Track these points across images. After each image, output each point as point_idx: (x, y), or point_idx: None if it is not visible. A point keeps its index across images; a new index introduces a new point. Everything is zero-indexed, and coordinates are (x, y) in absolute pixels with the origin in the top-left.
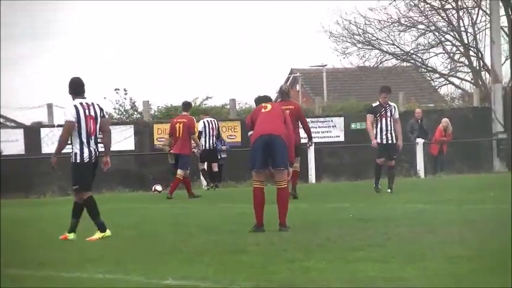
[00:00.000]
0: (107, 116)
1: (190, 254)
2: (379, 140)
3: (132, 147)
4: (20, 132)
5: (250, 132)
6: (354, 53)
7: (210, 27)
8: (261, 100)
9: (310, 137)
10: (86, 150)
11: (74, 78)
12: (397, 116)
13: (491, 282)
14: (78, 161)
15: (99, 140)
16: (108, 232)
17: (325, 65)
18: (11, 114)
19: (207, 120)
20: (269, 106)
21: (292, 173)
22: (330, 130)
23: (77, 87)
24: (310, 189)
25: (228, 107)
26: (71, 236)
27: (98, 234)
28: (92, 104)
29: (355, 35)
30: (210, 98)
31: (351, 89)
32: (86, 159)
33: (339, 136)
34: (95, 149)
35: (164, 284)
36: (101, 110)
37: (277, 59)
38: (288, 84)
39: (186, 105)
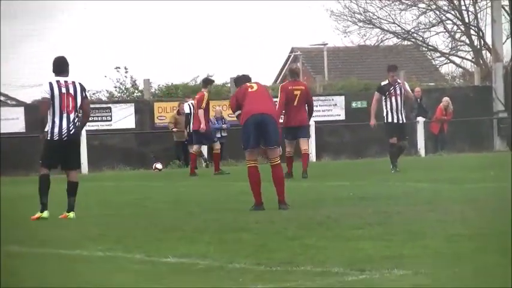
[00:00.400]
0: (89, 98)
1: (190, 232)
2: (390, 120)
3: (133, 126)
4: (20, 111)
5: (237, 112)
6: (354, 32)
7: (211, 5)
8: (241, 80)
9: (310, 116)
10: (56, 129)
11: (57, 57)
12: (407, 88)
13: (492, 261)
14: (47, 138)
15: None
16: (45, 213)
17: (326, 44)
18: (12, 93)
19: (192, 103)
20: (255, 86)
21: (303, 156)
22: (331, 109)
23: (58, 66)
24: (310, 167)
25: (229, 85)
26: (44, 214)
27: (38, 214)
28: (73, 82)
29: (355, 14)
30: (210, 76)
31: (352, 68)
32: (55, 137)
33: (339, 115)
34: (68, 128)
35: (164, 261)
36: (83, 89)
37: (277, 37)
38: (295, 64)
39: (204, 82)
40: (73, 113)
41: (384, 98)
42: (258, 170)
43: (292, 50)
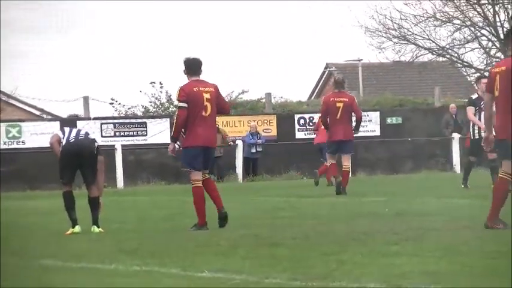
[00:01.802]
0: (114, 113)
1: (226, 247)
2: (477, 136)
3: (168, 141)
4: (56, 125)
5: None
6: (389, 48)
7: (248, 21)
8: (194, 66)
9: (357, 128)
10: (64, 140)
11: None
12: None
13: None
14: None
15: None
16: (77, 228)
17: (361, 60)
18: (48, 107)
19: None
20: (209, 108)
21: (343, 173)
22: (366, 124)
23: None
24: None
25: (264, 101)
26: (76, 229)
27: (70, 230)
28: (86, 133)
29: (390, 30)
30: (245, 91)
31: (387, 84)
32: (64, 144)
33: (374, 130)
34: (77, 135)
35: (200, 276)
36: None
37: (312, 53)
38: (341, 75)
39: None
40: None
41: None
42: (203, 190)
43: (327, 66)
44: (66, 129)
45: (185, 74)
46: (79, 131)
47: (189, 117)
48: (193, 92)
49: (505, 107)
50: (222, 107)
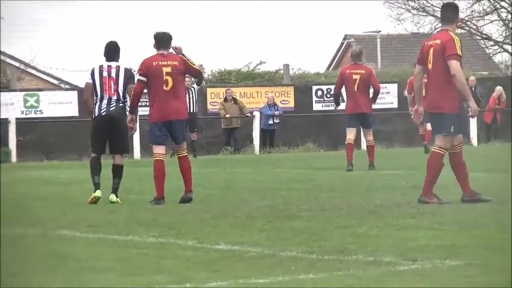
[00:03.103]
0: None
1: (242, 219)
2: None
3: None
4: (74, 95)
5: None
6: (408, 20)
7: None
8: (159, 37)
9: (374, 99)
10: (96, 108)
11: (108, 42)
12: None
13: None
14: (92, 118)
15: (125, 103)
16: (98, 193)
17: (379, 31)
18: (66, 77)
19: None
20: (170, 81)
21: (368, 148)
22: (384, 96)
23: (107, 51)
24: (362, 155)
25: (282, 72)
26: (97, 193)
27: (92, 195)
28: (117, 67)
29: (409, 1)
30: (263, 63)
31: (405, 56)
32: (96, 115)
33: (392, 103)
34: (108, 106)
35: (216, 248)
36: (129, 75)
37: (331, 24)
38: (358, 46)
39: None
40: (115, 95)
41: None
42: (163, 164)
43: (346, 37)
44: (98, 87)
45: (154, 47)
46: (110, 98)
47: (150, 92)
48: (152, 66)
49: (438, 81)
50: (192, 73)
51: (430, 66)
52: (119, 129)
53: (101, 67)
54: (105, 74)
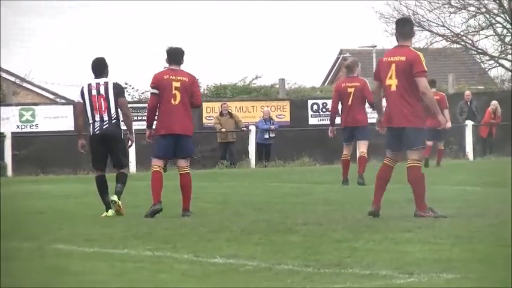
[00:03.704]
0: (127, 98)
1: (238, 233)
2: None
3: None
4: (69, 109)
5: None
6: None
7: (262, 6)
8: (171, 52)
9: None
10: (90, 127)
11: (94, 59)
12: None
13: None
14: (88, 137)
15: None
16: (110, 212)
17: (375, 46)
18: (61, 91)
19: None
20: (178, 96)
21: (359, 159)
22: None
23: (94, 68)
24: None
25: (277, 86)
26: (109, 213)
27: (104, 213)
28: (106, 83)
29: (405, 16)
30: (259, 77)
31: None
32: (91, 134)
33: None
34: (101, 124)
35: (212, 262)
36: (119, 90)
37: (326, 39)
38: (351, 58)
39: (433, 83)
40: (105, 113)
41: None
42: (160, 175)
43: (341, 52)
44: (88, 106)
45: (166, 62)
46: (101, 116)
47: (159, 106)
48: (163, 79)
49: (404, 96)
50: (193, 99)
51: (391, 82)
52: (115, 146)
53: (89, 85)
54: (94, 92)
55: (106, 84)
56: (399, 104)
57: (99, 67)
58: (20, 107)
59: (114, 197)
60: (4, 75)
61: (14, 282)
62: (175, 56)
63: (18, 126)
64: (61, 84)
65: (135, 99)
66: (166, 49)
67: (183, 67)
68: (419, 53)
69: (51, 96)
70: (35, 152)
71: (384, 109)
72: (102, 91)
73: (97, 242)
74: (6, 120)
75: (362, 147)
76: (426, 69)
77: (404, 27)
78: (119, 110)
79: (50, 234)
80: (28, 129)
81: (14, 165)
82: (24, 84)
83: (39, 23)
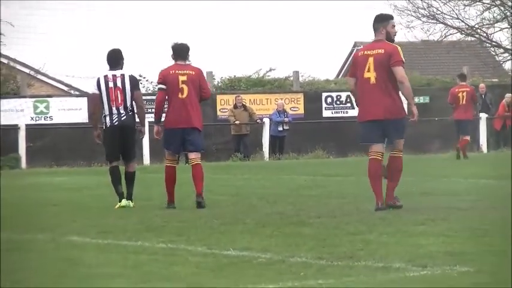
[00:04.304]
0: (141, 90)
1: (252, 225)
2: None
3: None
4: (83, 101)
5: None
6: (418, 27)
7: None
8: (176, 48)
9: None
10: (107, 119)
11: (110, 50)
12: None
13: None
14: (103, 128)
15: (132, 111)
16: (123, 202)
17: None
18: (76, 83)
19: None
20: (185, 90)
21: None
22: None
23: (110, 60)
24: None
25: (292, 79)
26: (122, 203)
27: (118, 204)
28: (122, 75)
29: (419, 9)
30: (273, 69)
31: (415, 63)
32: (108, 125)
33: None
34: (119, 116)
35: (226, 254)
36: (133, 82)
37: (340, 31)
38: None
39: (462, 76)
40: (122, 105)
41: None
42: (173, 170)
43: (355, 45)
44: (105, 97)
45: (172, 58)
46: (118, 108)
47: (168, 100)
48: (169, 74)
49: (385, 88)
50: (202, 91)
51: (369, 75)
52: (130, 138)
53: (106, 77)
54: (111, 84)
55: (123, 76)
56: (381, 96)
57: (115, 59)
58: (34, 99)
59: (129, 203)
60: (18, 66)
61: (26, 275)
62: (180, 51)
63: (32, 118)
64: (75, 77)
65: (150, 92)
66: (172, 45)
67: (195, 61)
68: (397, 45)
69: (66, 88)
70: (49, 144)
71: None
72: (119, 83)
73: (111, 234)
74: (21, 112)
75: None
76: (404, 60)
77: (381, 22)
78: (133, 102)
79: (63, 226)
80: (42, 121)
81: (28, 157)
82: (39, 76)
83: (52, 16)
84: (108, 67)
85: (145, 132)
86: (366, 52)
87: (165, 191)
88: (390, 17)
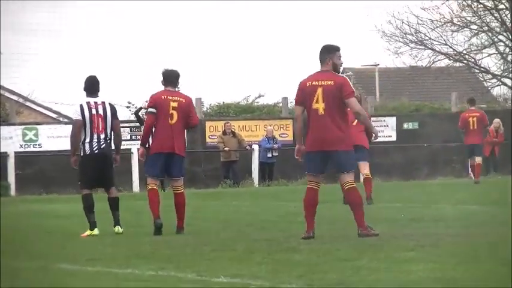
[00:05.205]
0: (119, 118)
1: (242, 252)
2: None
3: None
4: None
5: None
6: (406, 53)
7: (264, 25)
8: (167, 75)
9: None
10: (87, 146)
11: (88, 76)
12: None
13: None
14: (81, 155)
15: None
16: (95, 231)
17: (378, 65)
18: (64, 110)
19: None
20: (175, 116)
21: (365, 180)
22: (382, 130)
23: (89, 86)
24: (361, 188)
25: (280, 105)
26: (95, 231)
27: (88, 232)
28: (103, 103)
29: (407, 35)
30: (262, 96)
31: (403, 89)
32: (87, 152)
33: (391, 136)
34: (99, 143)
35: (216, 281)
36: (113, 110)
37: None
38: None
39: (472, 101)
40: (103, 133)
41: None
42: (156, 192)
43: (344, 70)
44: (88, 124)
45: (162, 84)
46: (99, 135)
47: (156, 124)
48: (160, 99)
49: (334, 120)
50: (190, 119)
51: (317, 105)
52: (109, 166)
53: (88, 104)
54: (93, 111)
55: (103, 104)
56: (329, 127)
57: (94, 86)
58: (23, 127)
59: (119, 229)
60: (7, 94)
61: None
62: (170, 78)
63: (21, 146)
64: (63, 104)
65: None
66: (162, 71)
67: (184, 87)
68: (345, 77)
69: (54, 116)
70: (38, 171)
71: (297, 136)
72: (101, 111)
73: (100, 261)
74: (10, 139)
75: (365, 169)
76: (354, 90)
77: (328, 53)
78: (111, 131)
79: (54, 254)
80: (31, 149)
81: (17, 185)
82: (27, 104)
83: (40, 43)
84: (86, 94)
85: (119, 161)
86: (314, 82)
87: (151, 212)
88: (337, 48)
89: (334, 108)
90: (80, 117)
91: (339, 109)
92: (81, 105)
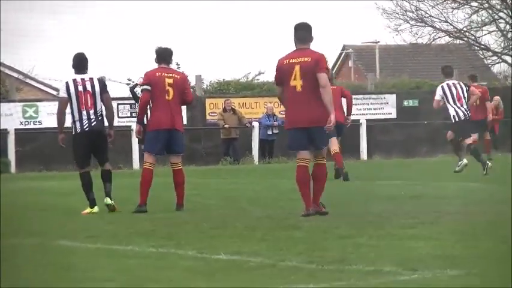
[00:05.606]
0: (109, 92)
1: (242, 229)
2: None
3: (184, 122)
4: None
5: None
6: (406, 30)
7: (263, 3)
8: (160, 52)
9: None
10: (77, 124)
11: (76, 53)
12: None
13: None
14: (73, 133)
15: (102, 114)
16: (95, 209)
17: (378, 42)
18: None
19: None
20: (171, 92)
21: (335, 155)
22: (382, 107)
23: (76, 63)
24: (362, 166)
25: None
26: (95, 209)
27: (88, 209)
28: (91, 79)
29: (407, 12)
30: (262, 73)
31: (404, 66)
32: (78, 130)
33: (391, 113)
34: (89, 121)
35: (216, 258)
36: (103, 85)
37: (329, 35)
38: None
39: (473, 77)
40: (92, 109)
41: None
42: (150, 172)
43: (344, 48)
44: (74, 102)
45: (156, 62)
46: (88, 112)
47: (152, 102)
48: (155, 76)
49: (312, 96)
50: (185, 96)
51: (295, 83)
52: (102, 143)
53: (74, 81)
54: (80, 88)
55: (91, 80)
56: (307, 104)
57: (82, 63)
58: (23, 103)
59: (108, 200)
60: (7, 71)
61: (16, 280)
62: (164, 55)
63: (21, 123)
64: (64, 80)
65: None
66: (156, 49)
67: (184, 65)
68: (322, 53)
69: (54, 93)
70: (39, 148)
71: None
72: (89, 87)
73: (100, 238)
74: (10, 116)
75: (335, 145)
76: (329, 67)
77: (302, 32)
78: (102, 106)
79: (53, 231)
80: (31, 126)
81: (18, 162)
82: (27, 80)
83: (42, 20)
84: (74, 71)
85: (113, 135)
86: (291, 60)
87: (140, 193)
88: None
89: (312, 85)
90: (65, 95)
91: (317, 85)
92: (66, 83)
